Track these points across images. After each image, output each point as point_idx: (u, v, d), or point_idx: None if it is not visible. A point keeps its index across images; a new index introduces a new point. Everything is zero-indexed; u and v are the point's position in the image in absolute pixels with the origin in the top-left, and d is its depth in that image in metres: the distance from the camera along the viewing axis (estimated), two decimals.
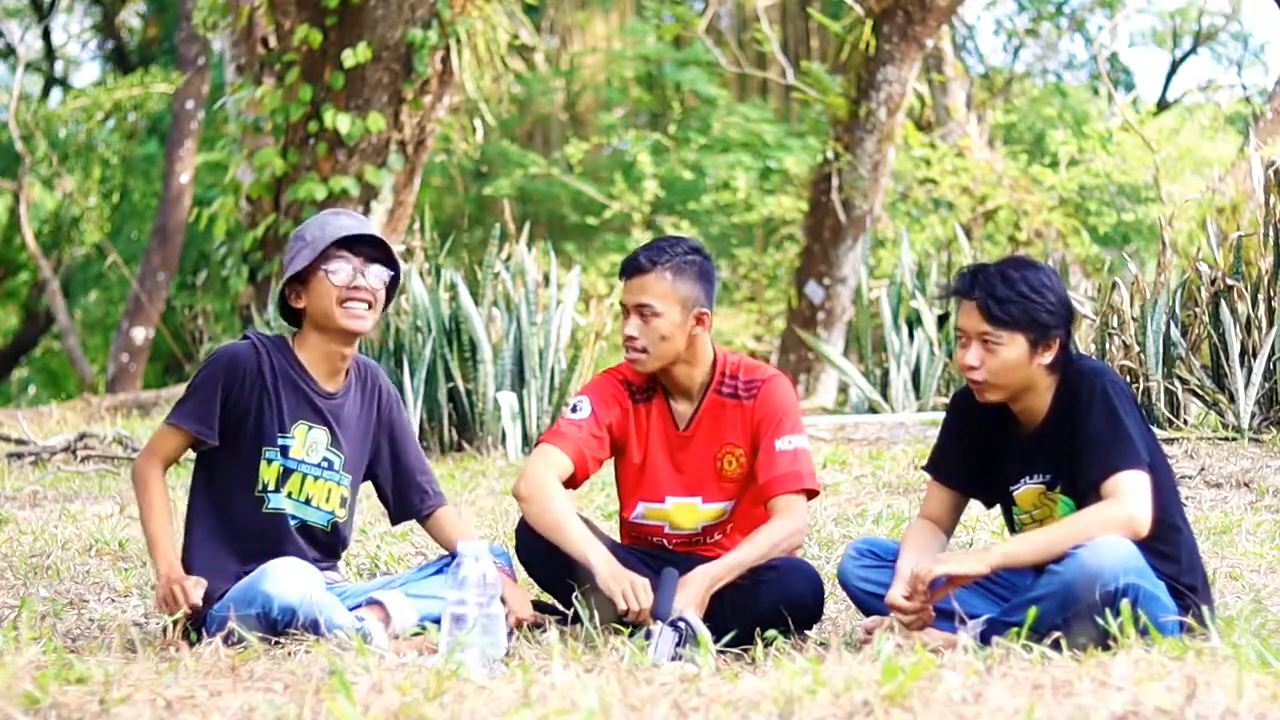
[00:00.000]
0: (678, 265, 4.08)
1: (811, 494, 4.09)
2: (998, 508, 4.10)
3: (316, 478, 4.06)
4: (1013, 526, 3.96)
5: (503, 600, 3.72)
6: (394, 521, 4.32)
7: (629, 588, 3.85)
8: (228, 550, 3.96)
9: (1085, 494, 3.72)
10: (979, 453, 3.94)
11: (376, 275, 4.01)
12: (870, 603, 3.97)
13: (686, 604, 3.83)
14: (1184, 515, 3.86)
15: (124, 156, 23.15)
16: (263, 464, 4.00)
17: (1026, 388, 3.79)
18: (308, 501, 4.06)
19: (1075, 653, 3.34)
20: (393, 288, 4.09)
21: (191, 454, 4.09)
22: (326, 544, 4.13)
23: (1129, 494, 3.63)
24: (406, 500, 4.21)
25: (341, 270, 3.98)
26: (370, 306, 4.01)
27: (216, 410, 3.97)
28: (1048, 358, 3.76)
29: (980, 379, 3.77)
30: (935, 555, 3.83)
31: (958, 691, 2.84)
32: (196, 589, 3.80)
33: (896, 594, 3.73)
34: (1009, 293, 3.71)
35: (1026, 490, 3.87)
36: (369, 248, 4.02)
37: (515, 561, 4.25)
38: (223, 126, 14.02)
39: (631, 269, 4.09)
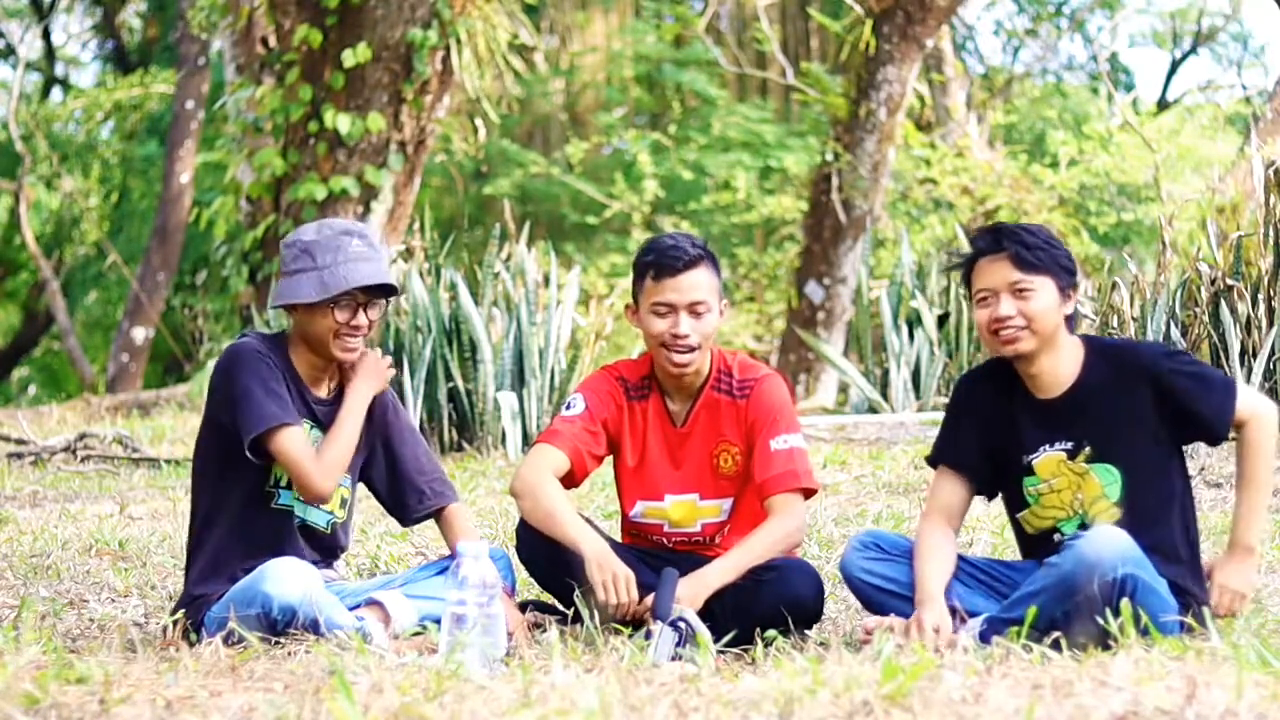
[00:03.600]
0: (709, 256, 4.10)
1: (809, 492, 4.09)
2: (997, 506, 4.08)
3: None
4: (1021, 503, 3.94)
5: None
6: (402, 524, 4.29)
7: (611, 579, 3.84)
8: (235, 550, 3.94)
9: (1216, 438, 3.84)
10: (988, 430, 3.93)
11: (376, 310, 4.00)
12: (872, 595, 3.96)
13: (683, 607, 3.83)
14: (1194, 503, 3.90)
15: (124, 156, 23.17)
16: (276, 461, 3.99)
17: (1052, 341, 3.82)
18: (310, 501, 4.05)
19: (1075, 653, 3.34)
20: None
21: (189, 461, 4.05)
22: (326, 546, 4.12)
23: (1255, 403, 3.79)
24: (403, 504, 4.17)
25: (344, 308, 3.95)
26: (364, 337, 4.01)
27: (283, 391, 3.91)
28: (1069, 308, 3.84)
29: (1017, 325, 3.79)
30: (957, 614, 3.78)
31: (958, 691, 2.84)
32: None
33: (926, 622, 3.71)
34: (1037, 241, 3.82)
35: (1046, 458, 3.86)
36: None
37: (515, 561, 4.25)
38: (223, 126, 14.03)
39: (681, 265, 4.03)
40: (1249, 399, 3.80)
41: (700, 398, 4.15)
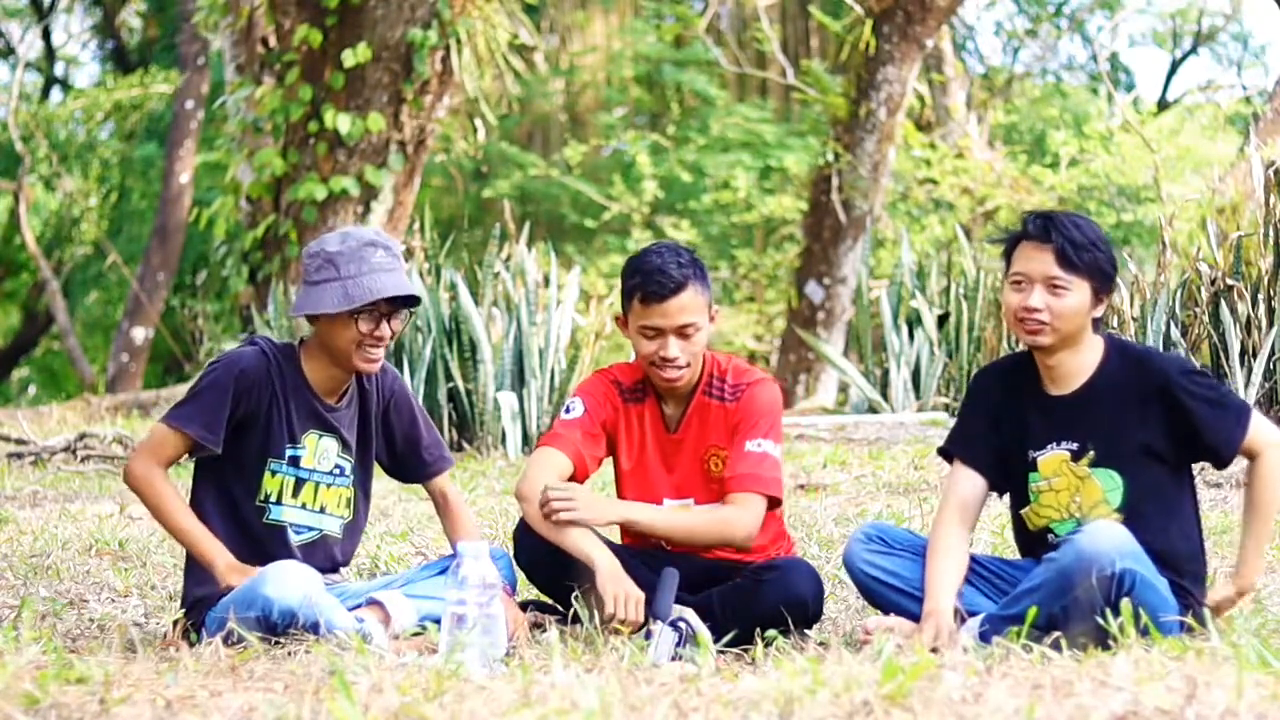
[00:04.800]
0: (696, 272, 4.04)
1: (773, 501, 4.07)
2: (996, 506, 4.08)
3: (329, 485, 4.06)
4: (1024, 499, 3.93)
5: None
6: (402, 482, 4.38)
7: (624, 595, 3.84)
8: (232, 553, 3.94)
9: (1221, 463, 3.79)
10: (1000, 423, 3.91)
11: (399, 321, 3.99)
12: (874, 588, 3.95)
13: (588, 519, 3.90)
14: (1199, 515, 3.89)
15: (124, 156, 23.16)
16: (266, 475, 3.98)
17: (1074, 339, 3.80)
18: (322, 510, 4.05)
19: (1075, 653, 3.34)
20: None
21: (187, 459, 4.05)
22: (338, 553, 4.12)
23: (1270, 435, 3.74)
24: (406, 471, 4.24)
25: (368, 318, 3.95)
26: (385, 347, 4.00)
27: (224, 417, 3.91)
28: (1099, 310, 3.82)
29: (1042, 320, 3.76)
30: (964, 624, 3.77)
31: (958, 691, 2.84)
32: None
33: (929, 637, 3.70)
34: (1084, 241, 3.76)
35: (1050, 456, 3.83)
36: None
37: (514, 564, 4.24)
38: (223, 126, 14.05)
39: (667, 290, 3.99)
40: (1265, 430, 3.76)
41: (692, 402, 4.14)
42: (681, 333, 4.02)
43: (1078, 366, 3.84)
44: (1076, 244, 3.74)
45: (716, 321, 4.14)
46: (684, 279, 4.00)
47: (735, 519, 4.00)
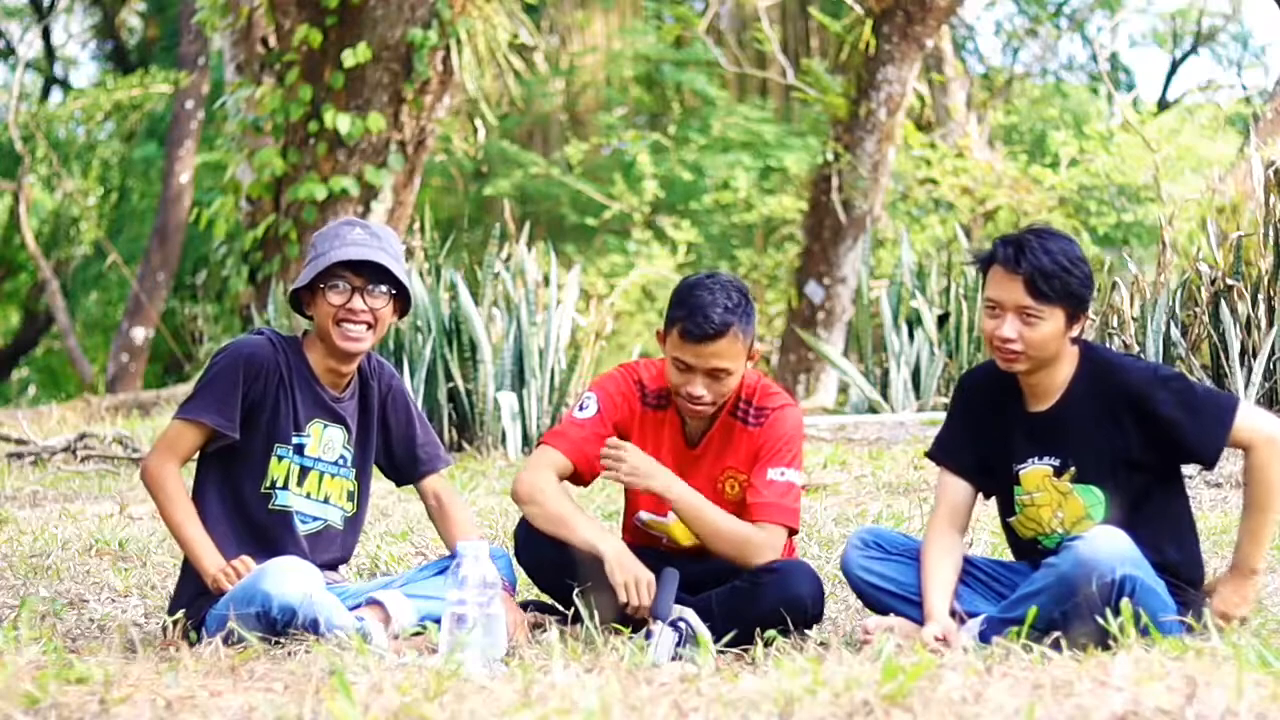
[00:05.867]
0: (742, 316, 3.95)
1: (791, 531, 4.06)
2: (992, 503, 4.07)
3: (334, 475, 4.06)
4: (1011, 509, 3.93)
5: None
6: (396, 484, 4.35)
7: (633, 581, 3.84)
8: (230, 547, 3.94)
9: (1205, 465, 3.76)
10: (983, 433, 3.91)
11: (377, 298, 3.96)
12: (870, 593, 3.95)
13: (631, 481, 3.93)
14: (1192, 518, 3.88)
15: (124, 157, 23.16)
16: (273, 461, 3.99)
17: (1053, 360, 3.78)
18: (326, 500, 4.05)
19: (1075, 653, 3.34)
20: (407, 301, 4.07)
21: (189, 460, 4.05)
22: (340, 545, 4.12)
23: (1261, 426, 3.68)
24: (403, 469, 4.23)
25: (339, 290, 3.95)
26: (370, 327, 3.96)
27: (237, 403, 3.92)
28: (1077, 330, 3.77)
29: (1016, 350, 3.74)
30: (965, 625, 3.78)
31: (958, 691, 2.84)
32: (243, 565, 3.83)
33: (930, 634, 3.70)
34: (1054, 267, 3.69)
35: (1033, 471, 3.83)
36: (377, 266, 3.96)
37: (514, 563, 4.24)
38: (223, 126, 14.05)
39: (706, 334, 3.91)
40: (1256, 421, 3.71)
41: (717, 421, 4.10)
42: (711, 374, 3.97)
43: (1055, 382, 3.81)
44: (1046, 273, 3.68)
45: (758, 357, 4.08)
46: (725, 325, 3.92)
47: (758, 543, 3.97)
